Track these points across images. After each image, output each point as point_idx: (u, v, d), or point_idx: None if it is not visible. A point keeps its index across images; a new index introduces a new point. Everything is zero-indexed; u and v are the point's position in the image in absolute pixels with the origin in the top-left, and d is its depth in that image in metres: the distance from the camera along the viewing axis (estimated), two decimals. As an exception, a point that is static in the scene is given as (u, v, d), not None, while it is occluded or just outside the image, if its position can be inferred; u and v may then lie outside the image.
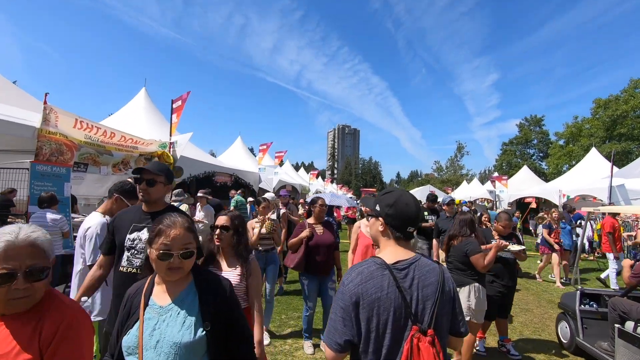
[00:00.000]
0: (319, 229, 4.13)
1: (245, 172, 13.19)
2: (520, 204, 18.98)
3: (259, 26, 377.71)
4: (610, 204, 12.19)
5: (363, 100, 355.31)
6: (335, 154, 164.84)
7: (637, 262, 3.83)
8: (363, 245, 3.90)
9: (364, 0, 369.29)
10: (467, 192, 28.75)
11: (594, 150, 18.47)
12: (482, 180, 36.73)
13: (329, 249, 4.07)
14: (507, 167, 45.38)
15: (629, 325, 3.36)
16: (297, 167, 37.02)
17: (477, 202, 24.39)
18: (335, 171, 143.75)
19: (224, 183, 10.99)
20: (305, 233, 3.98)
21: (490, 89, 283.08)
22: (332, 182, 46.69)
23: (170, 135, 7.81)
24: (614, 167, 16.22)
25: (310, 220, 4.21)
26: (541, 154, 47.58)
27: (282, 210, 7.11)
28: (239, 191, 9.72)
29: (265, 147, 15.04)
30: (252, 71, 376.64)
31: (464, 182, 36.76)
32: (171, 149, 7.48)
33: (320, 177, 43.00)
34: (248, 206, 9.60)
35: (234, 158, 16.87)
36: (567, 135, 36.59)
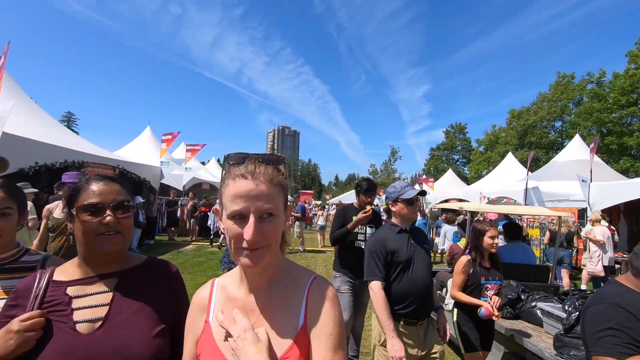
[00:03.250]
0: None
1: (139, 164, 10.97)
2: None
3: (198, 18, 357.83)
4: (525, 205, 12.33)
5: (304, 102, 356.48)
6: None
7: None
8: None
9: (307, 3, 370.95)
10: (397, 194, 29.12)
11: (510, 155, 19.49)
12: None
13: None
14: (434, 171, 47.66)
15: (443, 293, 4.24)
16: (220, 166, 34.52)
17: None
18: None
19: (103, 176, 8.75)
20: None
21: (422, 98, 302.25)
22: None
23: (-7, 106, 5.57)
24: (528, 171, 17.15)
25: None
26: (464, 160, 51.04)
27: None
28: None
29: (170, 137, 12.87)
30: (190, 65, 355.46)
31: (395, 185, 37.53)
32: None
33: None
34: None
35: (139, 151, 14.40)
36: (486, 143, 39.35)
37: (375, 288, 2.20)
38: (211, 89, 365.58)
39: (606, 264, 6.93)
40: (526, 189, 12.53)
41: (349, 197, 32.77)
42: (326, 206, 17.12)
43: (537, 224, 9.52)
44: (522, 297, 3.55)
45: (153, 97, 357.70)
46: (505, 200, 13.84)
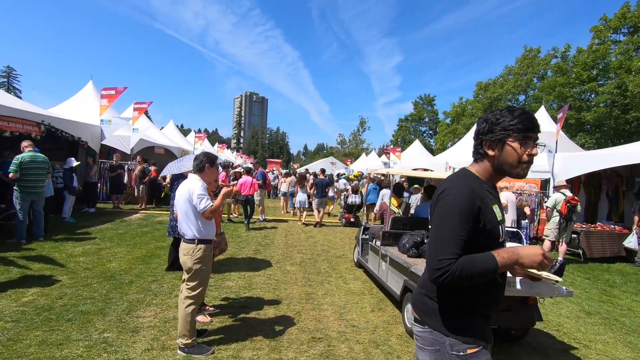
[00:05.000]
0: None
1: (74, 122, 9.54)
2: (411, 179, 19.28)
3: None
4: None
5: (274, 68, 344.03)
6: (242, 122, 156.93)
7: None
8: None
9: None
10: (365, 164, 28.93)
11: (476, 126, 19.57)
12: (380, 154, 37.89)
13: None
14: (401, 143, 47.94)
15: (374, 242, 5.28)
16: (183, 132, 32.39)
17: (373, 173, 24.49)
18: (242, 140, 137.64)
19: (23, 134, 7.40)
20: None
21: (394, 70, 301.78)
22: (229, 148, 42.40)
23: None
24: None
25: None
26: (431, 132, 51.72)
27: None
28: (27, 144, 6.36)
29: (113, 92, 11.35)
30: (149, 20, 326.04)
31: (363, 155, 37.36)
32: None
33: (217, 144, 38.95)
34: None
35: (79, 109, 12.69)
36: (452, 115, 39.74)
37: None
38: (173, 48, 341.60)
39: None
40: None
41: (316, 166, 32.20)
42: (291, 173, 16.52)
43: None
44: (425, 241, 4.25)
45: (108, 55, 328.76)
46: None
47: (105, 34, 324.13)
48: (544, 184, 9.88)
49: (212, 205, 2.94)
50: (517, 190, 9.39)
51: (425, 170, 18.27)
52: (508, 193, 7.74)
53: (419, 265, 3.75)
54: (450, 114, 40.65)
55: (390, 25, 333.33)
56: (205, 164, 3.12)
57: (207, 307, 3.85)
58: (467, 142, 18.67)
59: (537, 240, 9.02)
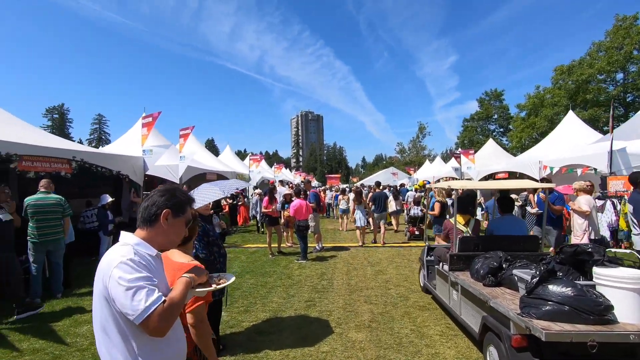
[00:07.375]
0: None
1: (113, 156, 8.94)
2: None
3: (215, 9, 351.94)
4: (611, 173, 9.37)
5: (327, 85, 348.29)
6: (300, 141, 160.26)
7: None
8: None
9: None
10: (430, 171, 26.04)
11: (571, 113, 15.92)
12: (445, 159, 34.44)
13: None
14: (468, 144, 43.62)
15: (440, 265, 4.71)
16: (241, 155, 32.65)
17: (441, 181, 21.64)
18: (301, 159, 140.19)
19: (51, 173, 6.71)
20: None
21: (450, 71, 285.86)
22: (287, 167, 42.32)
23: None
24: (596, 131, 13.70)
25: None
26: (502, 130, 46.45)
27: None
28: (42, 184, 5.51)
29: (150, 119, 10.79)
30: (212, 58, 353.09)
31: (427, 162, 34.26)
32: None
33: (275, 165, 38.83)
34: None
35: (131, 144, 12.52)
36: (529, 107, 34.81)
37: None
38: (235, 80, 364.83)
39: (593, 237, 5.88)
40: (611, 152, 9.43)
41: (377, 178, 30.07)
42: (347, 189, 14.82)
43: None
44: (504, 265, 3.64)
45: (175, 95, 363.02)
46: (582, 170, 10.76)
47: (171, 76, 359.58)
48: None
49: (164, 303, 1.28)
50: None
51: (511, 173, 15.27)
52: (587, 197, 6.03)
53: (499, 299, 3.09)
54: (525, 106, 35.69)
55: (442, 25, 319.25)
56: (161, 212, 1.47)
57: None
58: (561, 134, 15.19)
59: None
